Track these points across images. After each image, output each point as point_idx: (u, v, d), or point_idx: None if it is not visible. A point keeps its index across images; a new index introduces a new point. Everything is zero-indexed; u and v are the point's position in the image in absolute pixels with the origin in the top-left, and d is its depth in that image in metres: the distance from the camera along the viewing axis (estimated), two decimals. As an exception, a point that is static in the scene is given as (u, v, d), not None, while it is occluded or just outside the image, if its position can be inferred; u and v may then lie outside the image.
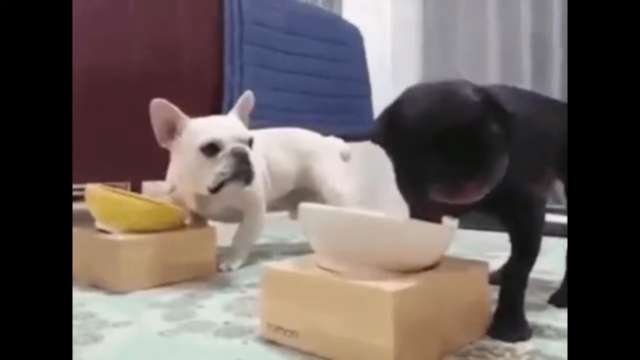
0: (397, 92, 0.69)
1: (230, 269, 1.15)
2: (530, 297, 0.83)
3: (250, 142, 1.04)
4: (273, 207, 1.33)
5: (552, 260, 0.92)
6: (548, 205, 0.80)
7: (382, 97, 2.03)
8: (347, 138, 1.49)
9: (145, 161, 1.38)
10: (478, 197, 0.63)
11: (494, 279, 0.78)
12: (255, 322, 0.76)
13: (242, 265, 1.18)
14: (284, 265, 0.74)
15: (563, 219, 0.87)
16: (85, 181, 1.19)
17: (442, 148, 0.61)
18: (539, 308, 0.85)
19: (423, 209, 0.73)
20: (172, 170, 1.11)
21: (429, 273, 0.66)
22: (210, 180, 1.00)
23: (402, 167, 0.69)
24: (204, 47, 1.73)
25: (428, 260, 0.67)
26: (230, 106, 1.21)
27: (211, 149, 1.00)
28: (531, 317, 0.76)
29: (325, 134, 1.44)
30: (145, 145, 1.11)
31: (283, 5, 1.98)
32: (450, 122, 0.61)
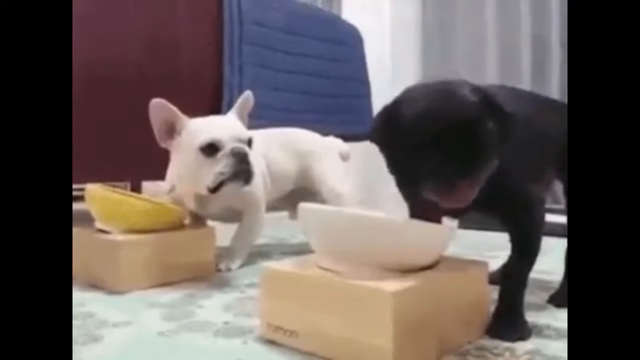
0: (396, 92, 0.69)
1: (229, 269, 1.15)
2: (530, 297, 0.83)
3: (249, 142, 1.04)
4: (273, 207, 1.33)
5: (551, 260, 0.92)
6: (547, 205, 0.80)
7: (381, 97, 2.03)
8: (347, 138, 1.49)
9: (144, 161, 1.38)
10: (470, 199, 0.63)
11: (493, 278, 0.78)
12: (255, 322, 0.76)
13: (242, 265, 1.18)
14: (284, 265, 0.74)
15: (562, 219, 0.87)
16: (85, 181, 1.19)
17: (438, 147, 0.61)
18: (539, 308, 0.85)
19: (422, 209, 0.73)
20: (172, 170, 1.11)
21: (429, 273, 0.66)
22: (209, 180, 1.00)
23: (398, 166, 0.69)
24: (203, 47, 1.73)
25: (427, 260, 0.68)
26: (229, 106, 1.21)
27: (210, 149, 1.00)
28: (531, 316, 0.76)
29: (325, 134, 1.44)
30: (145, 145, 1.11)
31: (282, 5, 1.98)
32: (446, 121, 0.61)
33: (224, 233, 1.19)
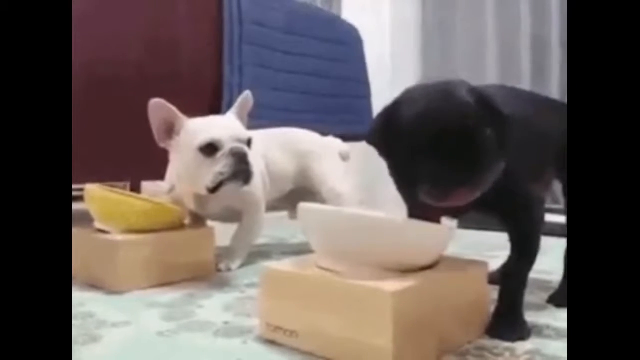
0: (396, 92, 0.69)
1: (229, 269, 1.15)
2: (530, 296, 0.83)
3: (249, 142, 1.04)
4: (272, 207, 1.33)
5: (551, 260, 0.92)
6: (547, 205, 0.80)
7: (381, 97, 2.03)
8: (346, 138, 1.49)
9: (144, 161, 1.38)
10: (468, 201, 0.63)
11: (493, 279, 0.78)
12: (255, 322, 0.76)
13: (242, 265, 1.18)
14: (284, 265, 0.74)
15: (562, 219, 0.87)
16: (84, 181, 1.19)
17: (434, 151, 0.61)
18: (538, 308, 0.85)
19: (422, 209, 0.73)
20: (171, 170, 1.11)
21: (428, 273, 0.66)
22: (209, 180, 1.00)
23: (396, 168, 0.69)
24: (203, 47, 1.73)
25: (427, 260, 0.67)
26: (229, 106, 1.21)
27: (210, 149, 1.00)
28: (530, 317, 0.76)
29: (324, 134, 1.44)
30: (145, 145, 1.11)
31: (282, 5, 1.98)
32: (443, 126, 0.61)
33: (223, 233, 1.19)
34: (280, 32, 1.95)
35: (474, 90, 0.65)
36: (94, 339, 0.72)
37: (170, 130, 1.04)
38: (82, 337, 0.73)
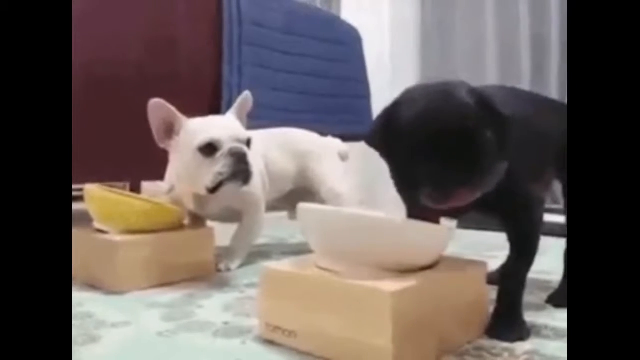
0: (395, 92, 0.69)
1: (229, 269, 1.15)
2: (529, 297, 0.83)
3: (248, 142, 1.04)
4: (272, 207, 1.33)
5: (550, 260, 0.92)
6: (546, 206, 0.80)
7: (380, 97, 2.04)
8: (345, 138, 1.49)
9: (144, 161, 1.37)
10: (467, 202, 0.63)
11: (492, 279, 0.78)
12: (254, 322, 0.76)
13: (241, 265, 1.18)
14: (283, 265, 0.74)
15: (561, 219, 0.87)
16: (84, 181, 1.19)
17: (434, 152, 0.61)
18: (538, 308, 0.85)
19: (421, 209, 0.73)
20: (171, 171, 1.11)
21: (428, 273, 0.66)
22: (208, 180, 1.00)
23: (396, 169, 0.69)
24: (202, 47, 1.73)
25: (426, 261, 0.68)
26: (229, 106, 1.21)
27: (209, 149, 1.00)
28: (529, 317, 0.76)
29: (324, 134, 1.44)
30: (145, 145, 1.11)
31: (281, 6, 1.98)
32: (443, 126, 0.61)
33: (223, 233, 1.19)
34: (279, 32, 1.95)
35: (474, 92, 0.65)
36: (94, 339, 0.72)
37: (170, 130, 1.04)
38: (81, 337, 0.73)
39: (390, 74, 2.62)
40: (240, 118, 1.11)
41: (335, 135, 1.46)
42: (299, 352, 0.67)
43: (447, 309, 0.66)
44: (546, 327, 0.76)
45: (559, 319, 0.79)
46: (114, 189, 1.11)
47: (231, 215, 1.18)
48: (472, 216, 0.76)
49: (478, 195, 0.63)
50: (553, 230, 0.95)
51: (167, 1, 1.64)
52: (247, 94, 1.14)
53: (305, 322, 0.67)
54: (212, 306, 0.88)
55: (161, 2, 1.63)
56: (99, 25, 1.48)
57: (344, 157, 1.41)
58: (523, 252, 0.74)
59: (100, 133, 1.46)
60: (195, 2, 1.72)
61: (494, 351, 0.67)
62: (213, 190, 1.01)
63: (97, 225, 1.07)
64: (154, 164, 1.18)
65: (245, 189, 1.05)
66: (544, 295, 0.89)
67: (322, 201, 1.30)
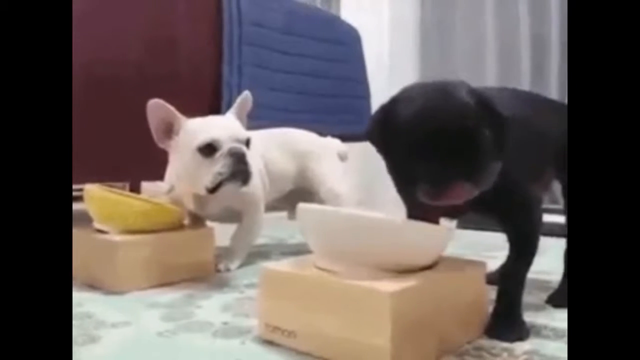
0: (394, 91, 0.69)
1: (228, 269, 1.15)
2: (528, 297, 0.83)
3: (247, 142, 1.04)
4: (272, 207, 1.33)
5: (549, 260, 0.92)
6: (546, 206, 0.80)
7: (380, 97, 2.03)
8: (345, 138, 1.49)
9: (144, 161, 1.38)
10: (463, 200, 0.63)
11: (491, 279, 0.78)
12: (254, 322, 0.76)
13: (241, 266, 1.18)
14: (282, 265, 0.74)
15: (560, 219, 0.87)
16: (83, 181, 1.19)
17: (431, 149, 0.61)
18: (537, 308, 0.85)
19: (420, 209, 0.73)
20: (170, 171, 1.11)
21: (427, 273, 0.66)
22: (207, 180, 1.00)
23: (393, 166, 0.69)
24: (202, 47, 1.73)
25: (426, 261, 0.68)
26: (228, 106, 1.21)
27: (209, 149, 1.00)
28: (529, 317, 0.76)
29: (323, 134, 1.44)
30: (144, 145, 1.11)
31: (281, 6, 1.98)
32: (439, 123, 0.61)
33: (223, 233, 1.19)
34: (279, 32, 1.95)
35: (474, 92, 0.65)
36: (93, 340, 0.72)
37: (169, 130, 1.04)
38: (81, 337, 0.73)
39: (389, 74, 2.62)
40: (240, 118, 1.11)
41: (334, 136, 1.46)
42: (298, 353, 0.67)
43: (446, 309, 0.66)
44: (545, 327, 0.76)
45: (559, 319, 0.79)
46: (113, 189, 1.11)
47: (231, 216, 1.18)
48: (471, 216, 0.76)
49: (475, 193, 0.63)
50: (552, 230, 0.95)
51: (167, 1, 1.64)
52: (246, 94, 1.14)
53: (304, 322, 0.67)
54: (212, 306, 0.88)
55: (161, 2, 1.63)
56: (99, 25, 1.48)
57: (343, 157, 1.41)
58: (522, 252, 0.74)
59: (100, 133, 1.46)
60: (195, 2, 1.72)
61: (493, 351, 0.67)
62: (212, 190, 1.01)
63: (96, 225, 1.07)
64: (154, 164, 1.18)
65: (244, 189, 1.05)
66: (544, 296, 0.90)
67: (321, 201, 1.30)
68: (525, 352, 0.67)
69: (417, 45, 2.68)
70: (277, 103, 1.88)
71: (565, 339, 0.71)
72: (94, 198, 1.05)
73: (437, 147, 0.61)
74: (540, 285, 0.96)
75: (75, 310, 0.85)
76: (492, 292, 0.75)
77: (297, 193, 1.33)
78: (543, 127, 0.81)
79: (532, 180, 0.79)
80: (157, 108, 1.03)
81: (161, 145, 1.06)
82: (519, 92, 0.90)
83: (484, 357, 0.65)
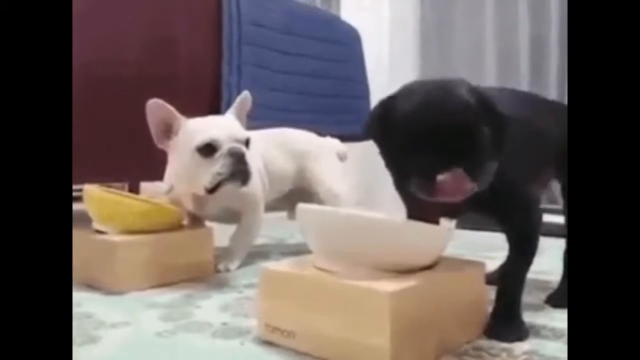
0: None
1: (228, 270, 1.15)
2: (528, 297, 0.83)
3: (247, 142, 1.04)
4: (272, 207, 1.33)
5: (549, 261, 0.92)
6: (545, 206, 0.80)
7: (379, 96, 2.03)
8: (344, 138, 1.49)
9: (143, 161, 1.37)
10: (459, 198, 0.63)
11: (490, 279, 0.78)
12: (253, 322, 0.76)
13: (240, 266, 1.18)
14: (282, 265, 0.74)
15: (560, 219, 0.87)
16: (83, 182, 1.19)
17: (429, 143, 0.61)
18: (536, 308, 0.85)
19: (420, 209, 0.73)
20: (170, 171, 1.11)
21: (426, 273, 0.66)
22: (207, 180, 1.00)
23: (391, 160, 0.69)
24: (201, 47, 1.72)
25: (425, 261, 0.68)
26: (228, 106, 1.21)
27: (208, 149, 1.00)
28: (528, 317, 0.76)
29: (322, 134, 1.44)
30: (144, 145, 1.11)
31: (281, 6, 1.98)
32: (437, 118, 0.61)
33: (222, 233, 1.19)
34: (278, 32, 1.94)
35: (474, 90, 0.65)
36: (92, 340, 0.72)
37: (169, 130, 1.04)
38: (80, 337, 0.73)
39: (389, 73, 2.62)
40: (239, 118, 1.11)
41: (333, 136, 1.46)
42: (298, 353, 0.67)
43: (445, 309, 0.66)
44: (545, 327, 0.76)
45: (558, 319, 0.79)
46: (112, 190, 1.10)
47: (230, 216, 1.18)
48: (470, 216, 0.76)
49: (472, 191, 0.63)
50: (552, 231, 0.95)
51: (166, 1, 1.64)
52: (246, 94, 1.14)
53: (303, 322, 0.67)
54: (211, 306, 0.88)
55: (160, 2, 1.63)
56: (99, 25, 1.48)
57: (342, 157, 1.41)
58: (522, 252, 0.74)
59: (99, 133, 1.46)
60: (195, 2, 1.72)
61: (492, 351, 0.67)
62: (212, 190, 1.01)
63: (96, 225, 1.07)
64: (154, 164, 1.18)
65: (244, 189, 1.04)
66: (543, 296, 0.90)
67: (320, 201, 1.30)
68: (525, 352, 0.67)
69: (417, 45, 2.68)
70: (276, 103, 1.88)
71: (565, 339, 0.71)
72: (94, 198, 1.05)
73: (435, 142, 0.60)
74: (540, 285, 0.96)
75: (75, 310, 0.85)
76: (491, 292, 0.75)
77: (297, 193, 1.33)
78: (542, 127, 0.81)
79: (532, 180, 0.79)
80: (156, 108, 1.03)
81: (160, 146, 1.06)
82: (518, 92, 0.90)
83: (483, 357, 0.65)
